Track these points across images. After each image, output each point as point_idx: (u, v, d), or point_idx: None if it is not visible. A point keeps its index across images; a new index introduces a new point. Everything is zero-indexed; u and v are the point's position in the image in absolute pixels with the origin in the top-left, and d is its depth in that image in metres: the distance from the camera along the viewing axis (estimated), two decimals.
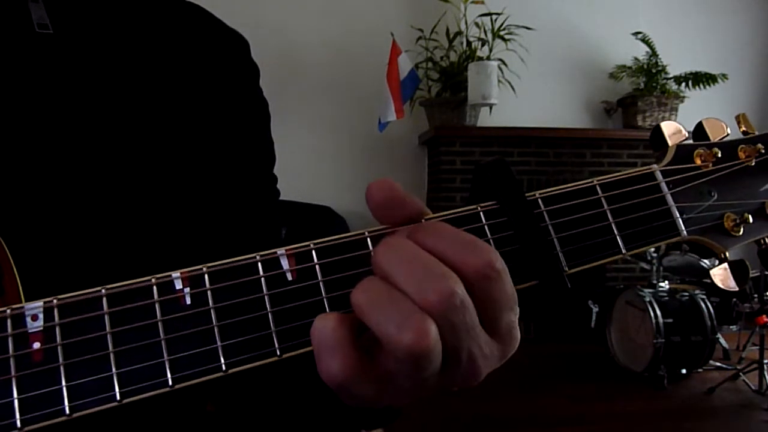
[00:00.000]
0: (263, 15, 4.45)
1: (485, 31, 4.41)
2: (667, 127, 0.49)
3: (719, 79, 4.57)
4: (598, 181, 0.45)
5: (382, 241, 0.37)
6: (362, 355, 0.36)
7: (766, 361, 3.36)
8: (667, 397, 3.40)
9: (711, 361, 3.66)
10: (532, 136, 4.53)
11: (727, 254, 0.47)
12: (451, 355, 0.36)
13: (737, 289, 0.47)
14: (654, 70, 4.61)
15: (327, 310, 0.39)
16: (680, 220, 0.46)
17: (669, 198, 0.46)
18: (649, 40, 4.56)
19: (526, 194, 0.42)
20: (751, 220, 0.48)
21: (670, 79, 4.64)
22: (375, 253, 0.37)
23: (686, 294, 3.69)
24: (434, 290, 0.34)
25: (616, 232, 0.44)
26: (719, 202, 0.47)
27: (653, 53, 4.58)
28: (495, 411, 3.08)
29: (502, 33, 4.40)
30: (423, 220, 0.40)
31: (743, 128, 0.50)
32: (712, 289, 3.78)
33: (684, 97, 4.66)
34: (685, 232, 0.46)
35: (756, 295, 3.61)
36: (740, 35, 5.07)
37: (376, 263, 0.36)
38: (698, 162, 0.48)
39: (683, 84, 4.65)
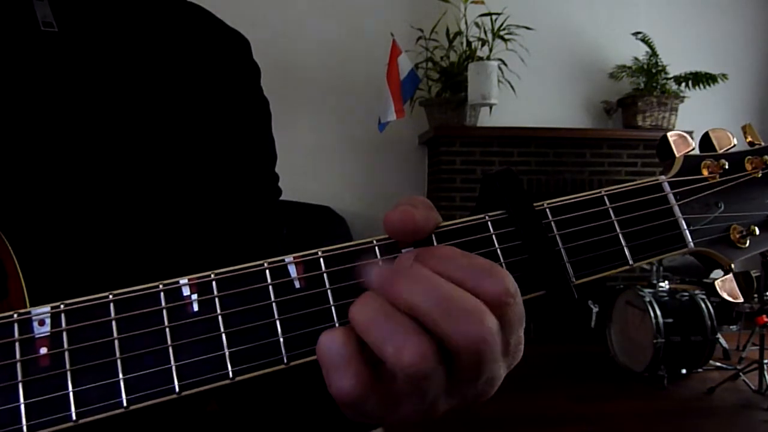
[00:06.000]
0: (264, 15, 4.45)
1: (485, 31, 4.40)
2: (674, 138, 0.48)
3: (719, 79, 4.57)
4: (605, 191, 0.45)
5: (395, 267, 0.36)
6: (372, 370, 0.35)
7: (766, 361, 3.37)
8: (667, 397, 3.41)
9: (711, 361, 3.66)
10: (532, 136, 4.53)
11: (733, 266, 0.47)
12: (470, 381, 0.36)
13: (742, 300, 0.47)
14: (654, 70, 4.60)
15: (335, 318, 0.39)
16: (687, 231, 0.46)
17: (676, 209, 0.46)
18: (649, 40, 4.56)
19: (534, 204, 0.42)
20: (757, 232, 0.47)
21: (670, 79, 4.63)
22: (391, 281, 0.35)
23: (686, 294, 3.69)
24: (468, 329, 0.34)
25: (623, 243, 0.44)
26: (726, 213, 0.47)
27: (653, 53, 4.58)
28: (495, 411, 3.08)
29: (502, 33, 4.39)
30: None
31: (749, 138, 0.50)
32: (712, 289, 3.77)
33: (684, 97, 4.65)
34: (692, 244, 0.46)
35: (756, 295, 3.61)
36: (740, 35, 5.06)
37: (395, 293, 0.35)
38: (705, 173, 0.48)
39: (683, 84, 4.64)
